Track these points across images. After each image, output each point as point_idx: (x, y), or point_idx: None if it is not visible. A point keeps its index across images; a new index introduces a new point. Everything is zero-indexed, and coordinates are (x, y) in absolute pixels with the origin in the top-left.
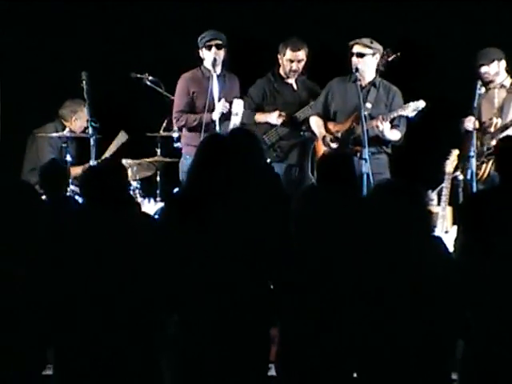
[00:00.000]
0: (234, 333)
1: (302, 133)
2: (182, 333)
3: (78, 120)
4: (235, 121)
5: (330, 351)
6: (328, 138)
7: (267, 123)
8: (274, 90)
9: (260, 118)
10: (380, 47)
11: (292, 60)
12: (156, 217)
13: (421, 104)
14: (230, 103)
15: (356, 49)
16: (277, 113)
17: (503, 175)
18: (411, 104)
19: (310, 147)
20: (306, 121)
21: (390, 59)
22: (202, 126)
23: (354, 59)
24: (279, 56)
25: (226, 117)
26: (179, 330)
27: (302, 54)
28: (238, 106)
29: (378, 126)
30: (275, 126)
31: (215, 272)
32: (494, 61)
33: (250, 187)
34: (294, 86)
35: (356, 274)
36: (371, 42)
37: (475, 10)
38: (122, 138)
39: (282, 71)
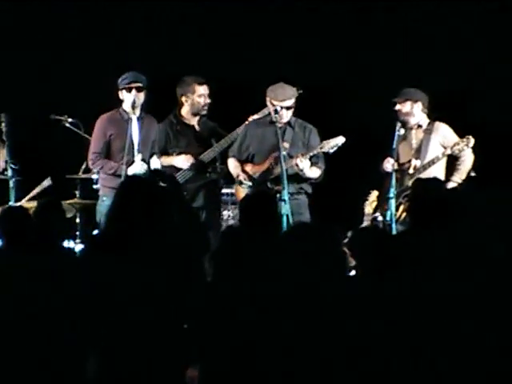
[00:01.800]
0: (149, 373)
1: (207, 175)
2: (101, 372)
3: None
4: None
5: None
6: (242, 177)
7: (173, 166)
8: (177, 132)
9: (165, 161)
10: (295, 90)
11: (203, 94)
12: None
13: (340, 140)
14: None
15: (286, 104)
16: (184, 156)
17: (412, 218)
18: (331, 140)
19: (216, 189)
20: (211, 162)
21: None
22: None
23: (284, 112)
24: (183, 97)
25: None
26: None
27: (207, 88)
28: (156, 164)
29: (297, 165)
30: (180, 169)
31: (129, 310)
32: (407, 100)
33: (167, 230)
34: (196, 127)
35: (274, 315)
36: (292, 90)
37: (401, 47)
38: (45, 183)
39: (186, 112)
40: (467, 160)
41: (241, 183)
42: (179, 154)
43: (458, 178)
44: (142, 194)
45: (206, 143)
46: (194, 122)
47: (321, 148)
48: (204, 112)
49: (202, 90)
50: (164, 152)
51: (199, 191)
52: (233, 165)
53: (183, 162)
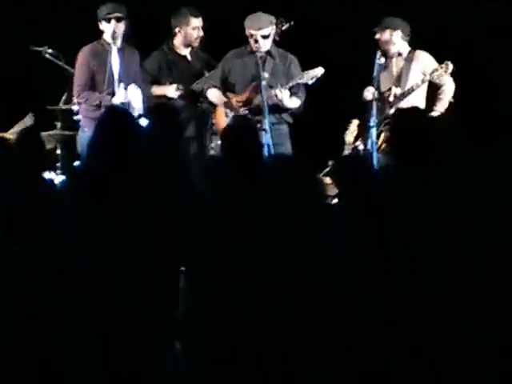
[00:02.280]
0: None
1: (198, 104)
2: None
3: None
4: (136, 108)
5: None
6: (234, 102)
7: (164, 96)
8: (170, 63)
9: (157, 90)
10: (273, 19)
11: (197, 27)
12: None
13: (319, 71)
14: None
15: (263, 32)
16: (174, 86)
17: (393, 150)
18: (310, 71)
19: (207, 119)
20: (202, 92)
21: (283, 28)
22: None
23: (261, 41)
24: (177, 28)
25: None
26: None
27: (201, 21)
28: (135, 92)
29: (277, 95)
30: (172, 98)
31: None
32: (386, 29)
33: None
34: (189, 58)
35: (253, 251)
36: (268, 19)
37: None
38: (27, 121)
39: (179, 42)
40: (448, 89)
41: (235, 109)
42: (171, 83)
43: (441, 107)
44: (122, 126)
45: (199, 74)
46: (186, 52)
47: (300, 79)
48: (196, 44)
49: (197, 22)
50: (156, 82)
51: (190, 121)
52: (214, 94)
53: (174, 91)
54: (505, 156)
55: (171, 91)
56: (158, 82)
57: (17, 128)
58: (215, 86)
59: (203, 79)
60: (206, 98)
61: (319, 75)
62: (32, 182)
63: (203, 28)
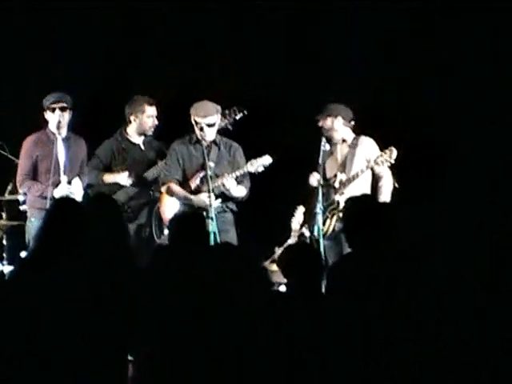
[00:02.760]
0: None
1: (150, 192)
2: None
3: None
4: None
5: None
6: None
7: (116, 183)
8: (123, 150)
9: (108, 178)
10: (219, 108)
11: (152, 115)
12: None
13: (267, 160)
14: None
15: (208, 120)
16: (126, 173)
17: (348, 237)
18: (258, 160)
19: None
20: (155, 181)
21: (237, 117)
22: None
23: (207, 130)
24: (132, 116)
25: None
26: None
27: (155, 110)
28: (77, 185)
29: (224, 184)
30: (124, 186)
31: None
32: (328, 116)
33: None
34: (142, 147)
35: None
36: (214, 107)
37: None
38: None
39: (132, 130)
40: (387, 181)
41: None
42: (123, 171)
43: (385, 198)
44: (70, 215)
45: (151, 162)
46: (139, 140)
47: (247, 168)
48: (151, 132)
49: (152, 111)
50: (108, 169)
51: (142, 209)
52: (173, 189)
53: (126, 178)
54: None
55: (123, 179)
56: (110, 169)
57: None
58: (172, 179)
59: (155, 167)
60: (158, 186)
61: (267, 163)
62: None
63: (157, 117)
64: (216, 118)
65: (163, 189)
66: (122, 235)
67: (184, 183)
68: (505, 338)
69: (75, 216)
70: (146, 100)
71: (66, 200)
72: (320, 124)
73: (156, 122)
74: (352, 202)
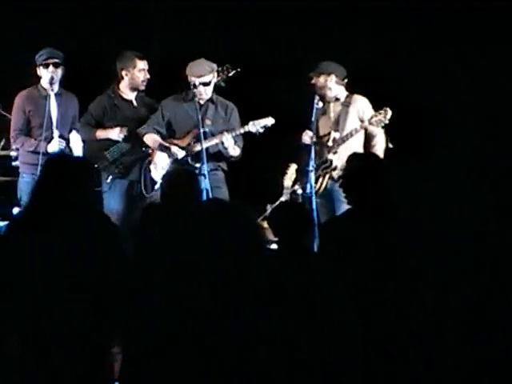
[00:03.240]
0: (73, 350)
1: (143, 148)
2: (23, 351)
3: None
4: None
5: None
6: (174, 149)
7: (108, 139)
8: (115, 106)
9: (101, 133)
10: (215, 66)
11: (144, 69)
12: None
13: (270, 121)
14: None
15: (203, 79)
16: (118, 129)
17: (350, 196)
18: (260, 121)
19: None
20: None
21: (230, 75)
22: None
23: (201, 89)
24: (123, 71)
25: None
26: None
27: (147, 64)
28: (75, 139)
29: (223, 142)
30: (117, 141)
31: (52, 289)
32: (321, 74)
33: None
34: (134, 103)
35: (191, 295)
36: (209, 66)
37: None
38: None
39: (125, 86)
40: (381, 140)
41: (167, 149)
42: (115, 127)
43: None
44: (66, 172)
45: (144, 118)
46: (131, 96)
47: (249, 128)
48: (143, 87)
49: (143, 64)
50: (101, 125)
51: (135, 164)
52: (150, 138)
53: (118, 134)
54: None
55: (115, 134)
56: (102, 125)
57: None
58: (153, 131)
59: (147, 123)
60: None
61: (269, 125)
62: None
63: (149, 71)
64: (211, 77)
65: (144, 139)
66: None
67: (178, 140)
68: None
69: (70, 173)
70: (136, 54)
71: (62, 156)
72: (313, 82)
73: (148, 76)
74: (354, 158)
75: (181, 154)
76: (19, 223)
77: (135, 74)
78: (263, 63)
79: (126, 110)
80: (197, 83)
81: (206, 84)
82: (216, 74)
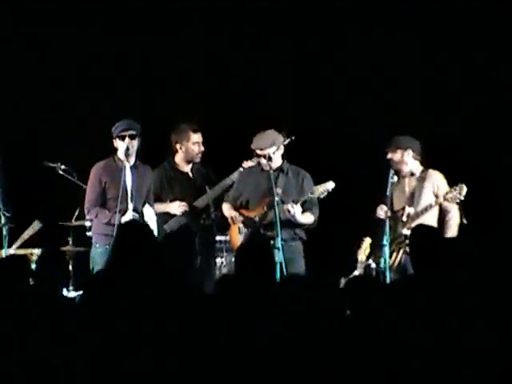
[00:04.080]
0: None
1: (201, 221)
2: None
3: None
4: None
5: None
6: (238, 218)
7: (167, 213)
8: (171, 179)
9: (160, 207)
10: (279, 138)
11: (197, 142)
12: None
13: (330, 185)
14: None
15: (266, 152)
16: (178, 203)
17: (414, 262)
18: (321, 185)
19: (209, 235)
20: (205, 209)
21: (284, 143)
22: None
23: (263, 161)
24: (178, 144)
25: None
26: None
27: (201, 136)
28: (149, 212)
29: (289, 211)
30: (175, 215)
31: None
32: (397, 149)
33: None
34: (190, 174)
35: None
36: (269, 140)
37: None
38: (35, 226)
39: (180, 159)
40: (455, 215)
41: (233, 222)
42: (173, 200)
43: (452, 233)
44: (139, 240)
45: (200, 190)
46: (187, 169)
47: (311, 193)
48: (198, 160)
49: (197, 137)
50: (158, 199)
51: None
52: (227, 207)
53: (177, 208)
54: None
55: (174, 208)
56: (159, 198)
57: (25, 235)
58: (229, 202)
59: (205, 196)
60: (209, 214)
61: (330, 189)
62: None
63: (203, 143)
64: (274, 149)
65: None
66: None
67: (251, 210)
68: None
69: (145, 240)
70: (191, 127)
71: (136, 224)
72: (389, 156)
73: (202, 149)
74: (420, 231)
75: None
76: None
77: (189, 147)
78: (338, 132)
79: (183, 182)
80: (262, 155)
81: (269, 158)
82: (280, 146)
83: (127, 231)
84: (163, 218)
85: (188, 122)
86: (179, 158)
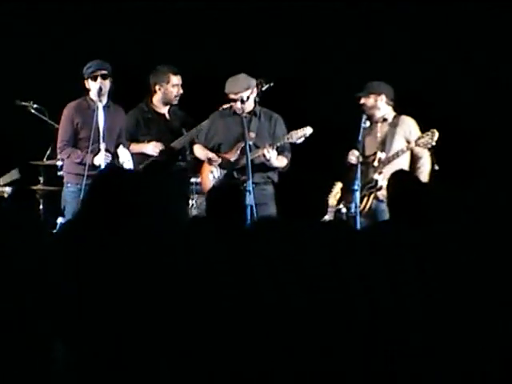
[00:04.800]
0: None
1: (177, 163)
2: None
3: None
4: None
5: None
6: (214, 158)
7: (143, 153)
8: (148, 120)
9: (135, 148)
10: (253, 81)
11: (177, 84)
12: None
13: (308, 130)
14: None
15: (240, 96)
16: (153, 143)
17: (392, 209)
18: (298, 130)
19: (184, 177)
20: (181, 151)
21: (263, 89)
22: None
23: (239, 104)
24: (157, 85)
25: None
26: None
27: (180, 79)
28: (124, 154)
29: (264, 155)
30: (151, 156)
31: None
32: (371, 93)
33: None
34: (167, 116)
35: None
36: (245, 83)
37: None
38: (13, 175)
39: (158, 100)
40: (426, 161)
41: (210, 163)
42: (149, 141)
43: (423, 179)
44: (119, 185)
45: (177, 132)
46: (164, 110)
47: (288, 138)
48: (175, 102)
49: (176, 80)
50: (134, 139)
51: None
52: (200, 149)
53: (153, 149)
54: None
55: (150, 148)
56: (135, 139)
57: (2, 181)
58: (201, 143)
59: (182, 137)
60: (185, 156)
61: (308, 134)
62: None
63: (182, 85)
64: (249, 93)
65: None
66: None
67: (224, 154)
68: None
69: (124, 184)
70: (171, 69)
71: (115, 169)
72: (362, 101)
73: (181, 91)
74: (396, 177)
75: (216, 173)
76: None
77: (168, 89)
78: (311, 78)
79: (160, 124)
80: (236, 99)
81: (242, 101)
82: (254, 90)
83: (106, 176)
84: (139, 158)
85: (166, 65)
86: (156, 100)
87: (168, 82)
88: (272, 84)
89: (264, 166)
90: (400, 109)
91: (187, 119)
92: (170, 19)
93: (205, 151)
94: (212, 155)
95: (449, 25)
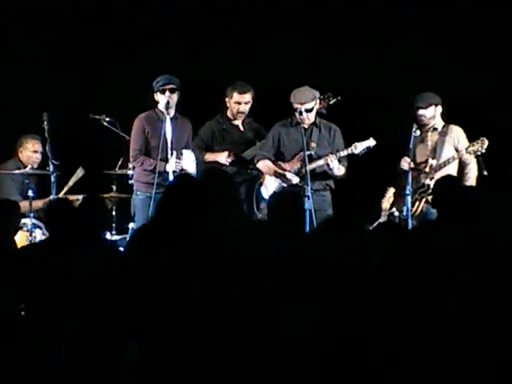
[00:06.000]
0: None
1: (248, 171)
2: (143, 358)
3: (23, 151)
4: (191, 172)
5: None
6: (289, 175)
7: (216, 162)
8: (223, 131)
9: (209, 157)
10: (317, 93)
11: (239, 102)
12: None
13: (371, 142)
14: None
15: (305, 106)
16: (226, 153)
17: (439, 211)
18: (363, 142)
19: (255, 184)
20: (253, 159)
21: (331, 103)
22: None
23: (304, 115)
24: (227, 99)
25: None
26: (141, 355)
27: (248, 97)
28: (189, 156)
29: (328, 164)
30: (224, 164)
31: (176, 300)
32: (431, 105)
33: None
34: (241, 128)
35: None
36: (311, 94)
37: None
38: (79, 173)
39: (229, 113)
40: (473, 168)
41: (286, 180)
42: (223, 151)
43: (470, 183)
44: (191, 192)
45: (250, 143)
46: (238, 122)
47: (352, 149)
48: (240, 118)
49: (238, 97)
50: (209, 149)
51: (241, 186)
52: (264, 165)
53: (225, 158)
54: None
55: (223, 158)
56: (211, 148)
57: (71, 183)
58: (266, 157)
59: (253, 148)
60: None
61: (371, 146)
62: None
63: (248, 102)
64: (313, 104)
65: (257, 165)
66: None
67: (286, 163)
68: None
69: (194, 190)
70: (237, 86)
71: (185, 176)
72: (421, 112)
73: (242, 109)
74: (442, 181)
75: (295, 180)
76: (139, 238)
77: (231, 105)
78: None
79: (234, 135)
80: (301, 109)
81: (308, 110)
82: (318, 101)
83: (178, 183)
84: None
85: (239, 82)
86: (229, 112)
87: (231, 98)
88: (339, 98)
89: (324, 174)
90: (448, 118)
91: (261, 131)
92: (246, 36)
93: (270, 166)
94: (278, 169)
95: (495, 34)
